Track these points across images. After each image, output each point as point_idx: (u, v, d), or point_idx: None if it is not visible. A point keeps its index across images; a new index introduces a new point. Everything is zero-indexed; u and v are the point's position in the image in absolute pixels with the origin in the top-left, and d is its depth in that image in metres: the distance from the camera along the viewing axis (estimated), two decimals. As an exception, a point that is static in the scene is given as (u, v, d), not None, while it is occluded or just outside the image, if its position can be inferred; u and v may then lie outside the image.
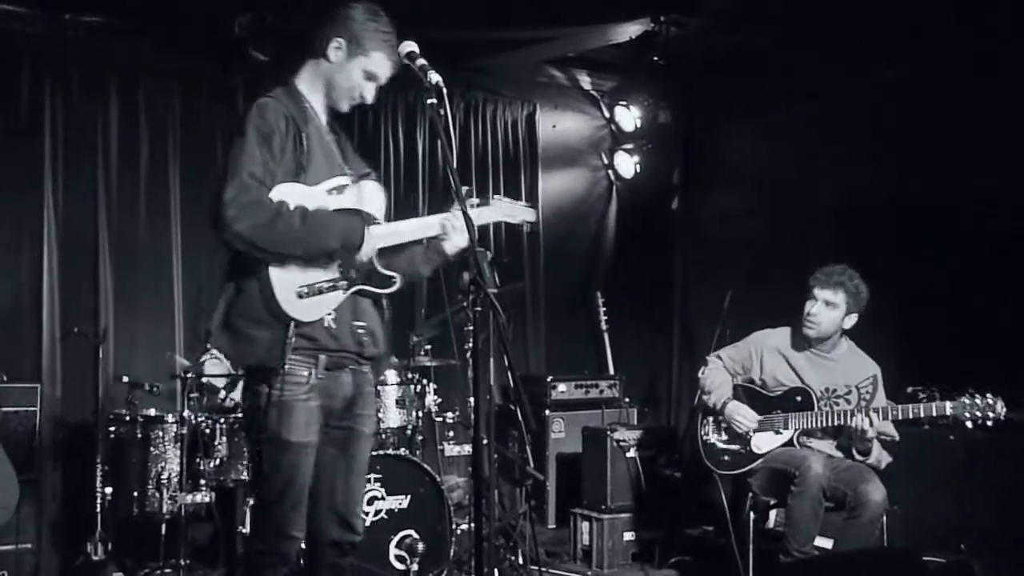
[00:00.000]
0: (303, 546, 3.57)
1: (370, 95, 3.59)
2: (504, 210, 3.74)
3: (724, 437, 5.50)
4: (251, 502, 5.29)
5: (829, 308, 5.28)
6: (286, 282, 3.32)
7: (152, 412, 5.81)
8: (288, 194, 3.33)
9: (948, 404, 4.87)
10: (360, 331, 3.52)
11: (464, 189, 3.55)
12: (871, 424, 4.99)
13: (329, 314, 3.41)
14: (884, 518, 5.08)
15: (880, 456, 5.21)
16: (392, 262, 3.61)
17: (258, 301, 3.31)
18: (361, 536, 3.64)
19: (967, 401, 4.84)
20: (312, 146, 3.44)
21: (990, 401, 4.81)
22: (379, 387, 5.85)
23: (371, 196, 3.58)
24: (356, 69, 3.51)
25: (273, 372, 3.31)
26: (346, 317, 3.47)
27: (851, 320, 5.33)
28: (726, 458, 5.48)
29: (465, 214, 3.28)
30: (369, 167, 3.76)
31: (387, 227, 3.58)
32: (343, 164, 3.61)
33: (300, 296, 3.33)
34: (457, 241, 3.56)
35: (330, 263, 3.40)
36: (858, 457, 5.19)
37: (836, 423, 5.17)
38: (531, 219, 3.84)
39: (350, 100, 3.58)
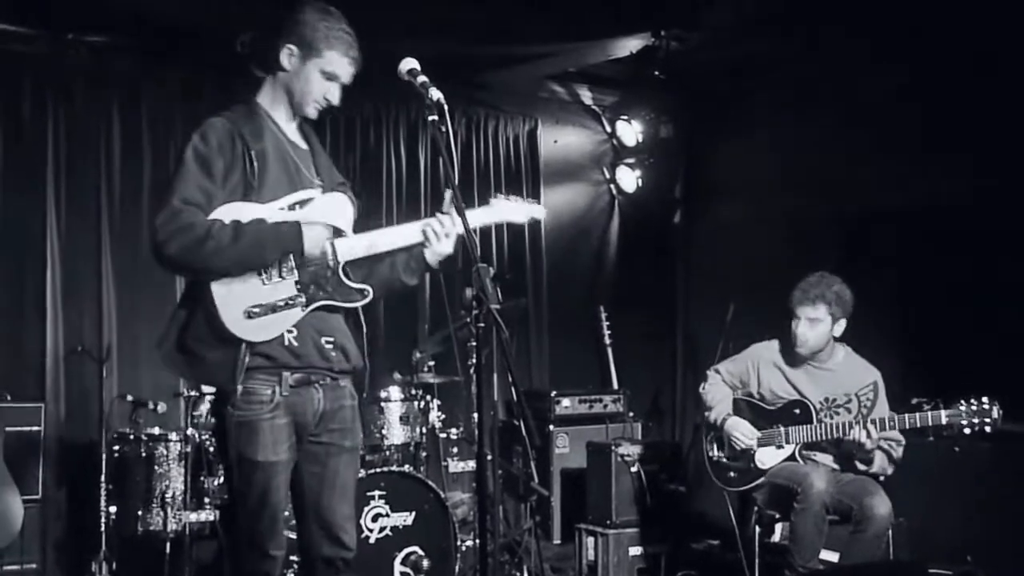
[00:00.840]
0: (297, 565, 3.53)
1: (335, 97, 3.52)
2: (505, 211, 3.71)
3: (727, 453, 5.49)
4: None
5: (813, 324, 5.25)
6: (232, 302, 3.26)
7: (156, 430, 5.80)
8: (233, 213, 3.28)
9: (944, 412, 4.85)
10: (328, 346, 3.45)
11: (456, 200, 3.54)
12: (868, 436, 4.98)
13: (289, 331, 3.36)
14: (890, 531, 5.07)
15: (884, 465, 5.19)
16: (372, 271, 3.57)
17: (205, 323, 3.27)
18: (354, 551, 3.58)
19: (963, 408, 4.82)
20: (266, 163, 3.38)
21: (985, 406, 4.79)
22: (383, 403, 5.85)
23: (338, 208, 3.52)
24: (312, 72, 3.46)
25: (234, 392, 3.27)
26: (310, 333, 3.41)
27: (840, 327, 5.30)
28: (732, 475, 5.47)
29: (466, 227, 3.26)
30: (344, 178, 3.71)
31: (358, 239, 3.51)
32: (312, 177, 3.54)
33: (250, 316, 3.27)
34: (439, 248, 3.51)
35: (282, 281, 3.34)
36: (861, 467, 5.17)
37: (836, 435, 5.15)
38: (540, 216, 3.79)
39: (315, 105, 3.52)
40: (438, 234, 3.50)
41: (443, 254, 3.54)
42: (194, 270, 3.27)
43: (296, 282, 3.37)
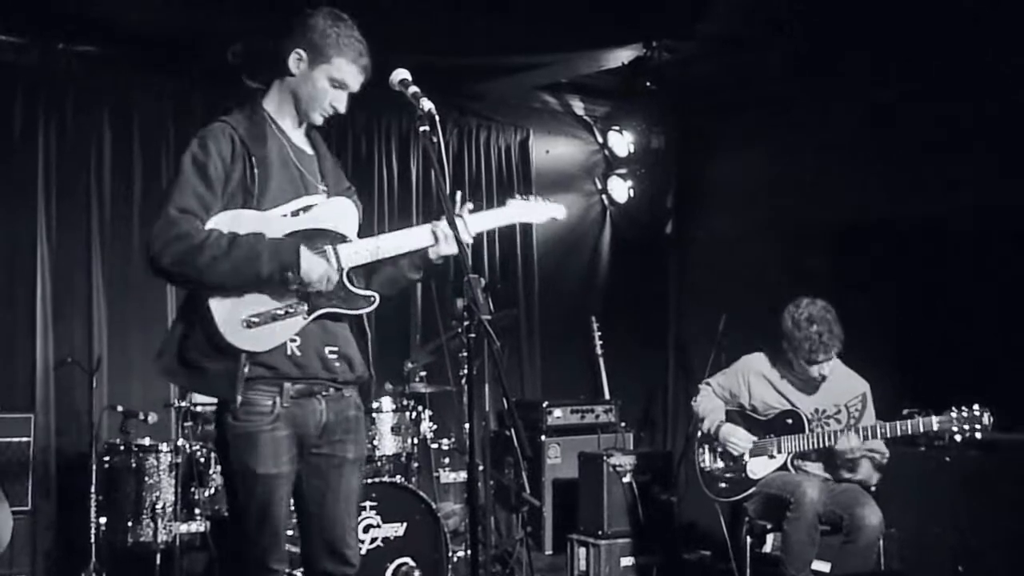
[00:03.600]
0: None
1: (342, 104, 3.47)
2: (522, 211, 3.67)
3: (720, 464, 5.49)
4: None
5: (831, 363, 5.28)
6: (230, 313, 3.20)
7: (146, 441, 5.78)
8: (232, 221, 3.23)
9: (935, 419, 4.86)
10: (331, 356, 3.39)
11: (468, 206, 3.51)
12: (855, 444, 4.99)
13: (292, 340, 3.30)
14: (881, 541, 5.08)
15: (870, 474, 5.20)
16: (377, 272, 3.53)
17: (204, 335, 3.22)
18: (356, 568, 3.51)
19: (953, 415, 4.83)
20: (268, 169, 3.33)
21: (976, 413, 4.81)
22: (374, 414, 5.82)
23: (341, 213, 3.46)
24: (320, 78, 3.39)
25: (233, 403, 3.22)
26: (314, 342, 3.35)
27: None
28: (723, 485, 5.47)
29: (458, 239, 3.26)
30: (351, 183, 3.66)
31: (363, 244, 3.43)
32: (316, 183, 3.49)
33: (248, 326, 3.21)
34: (443, 249, 3.47)
35: (280, 288, 3.25)
36: (846, 475, 5.18)
37: (826, 445, 5.16)
38: (559, 215, 3.74)
39: (321, 111, 3.46)
40: (448, 236, 3.43)
41: (446, 254, 3.50)
42: (189, 281, 3.22)
43: (296, 289, 3.29)
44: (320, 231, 3.38)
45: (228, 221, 3.24)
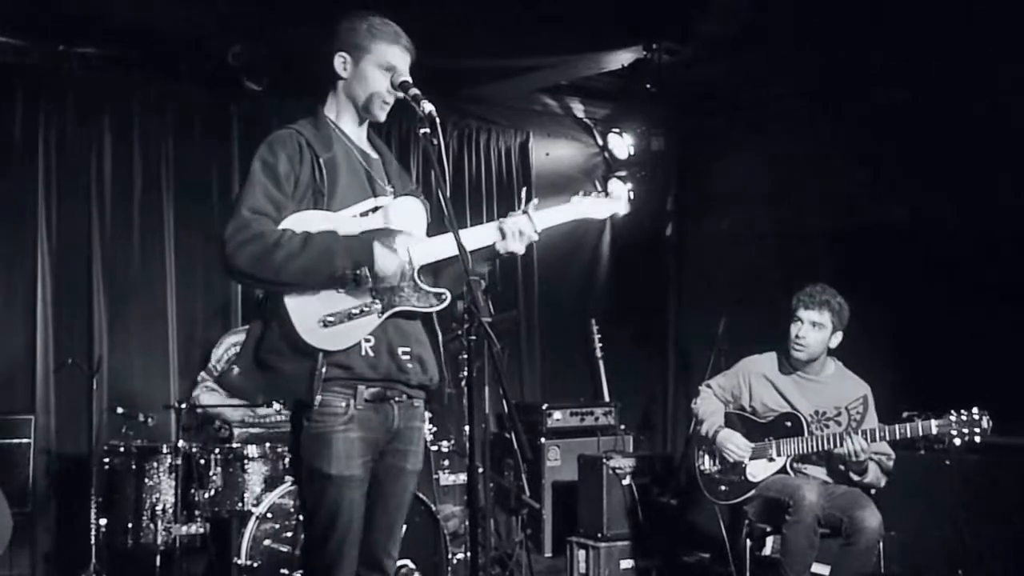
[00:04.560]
0: None
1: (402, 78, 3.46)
2: (584, 208, 3.65)
3: (719, 467, 5.49)
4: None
5: (816, 328, 5.29)
6: (306, 312, 3.21)
7: (146, 443, 5.79)
8: (304, 222, 3.25)
9: (934, 423, 4.86)
10: (404, 357, 3.38)
11: (535, 202, 3.49)
12: (862, 447, 4.99)
13: (367, 340, 3.29)
14: (881, 544, 5.07)
15: (878, 476, 5.20)
16: (444, 269, 3.52)
17: (280, 335, 3.22)
18: None
19: (952, 419, 4.84)
20: (336, 171, 3.36)
21: (975, 416, 4.81)
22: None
23: (410, 213, 3.48)
24: (370, 70, 3.43)
25: (309, 405, 3.22)
26: (387, 342, 3.34)
27: (836, 338, 5.34)
28: (723, 488, 5.47)
29: (458, 241, 3.25)
30: (413, 184, 3.66)
31: (433, 242, 3.43)
32: (384, 184, 3.52)
33: (325, 325, 3.21)
34: (511, 245, 3.45)
35: (356, 287, 3.25)
36: (855, 478, 5.17)
37: (827, 448, 5.16)
38: (622, 210, 3.74)
39: (381, 103, 3.48)
40: (515, 233, 3.44)
41: (514, 251, 3.48)
42: (263, 280, 3.22)
43: (371, 289, 3.29)
44: (391, 230, 3.38)
45: (300, 222, 3.26)
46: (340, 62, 3.45)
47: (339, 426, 3.25)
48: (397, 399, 3.40)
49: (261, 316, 3.32)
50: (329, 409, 3.24)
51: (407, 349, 3.40)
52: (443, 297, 3.45)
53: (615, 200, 3.72)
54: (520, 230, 3.45)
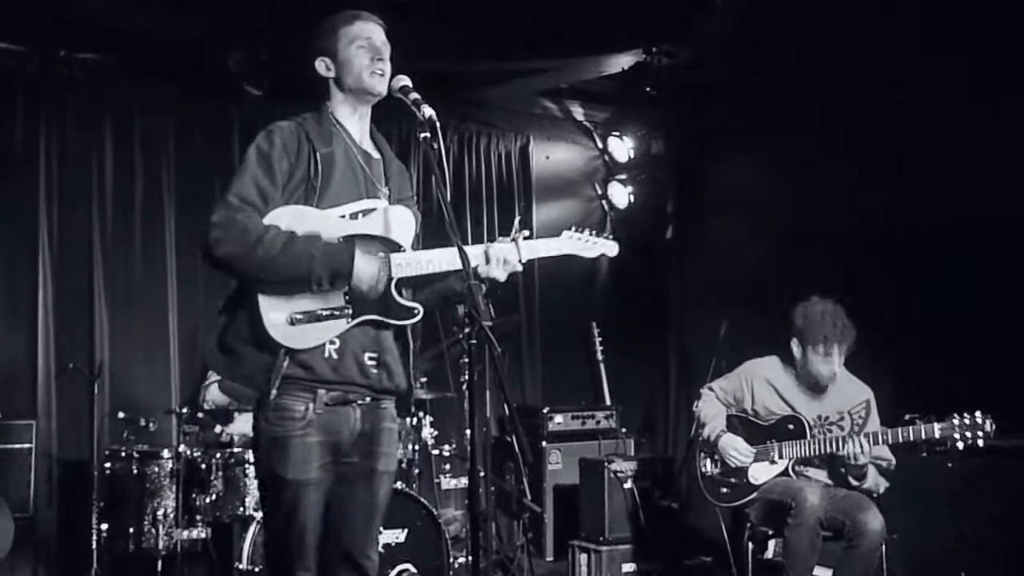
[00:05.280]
0: None
1: (384, 56, 3.48)
2: (573, 246, 3.62)
3: (720, 470, 5.49)
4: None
5: (839, 360, 5.27)
6: (277, 308, 3.23)
7: (148, 447, 5.79)
8: (288, 216, 3.27)
9: (937, 426, 4.86)
10: (370, 363, 3.37)
11: (524, 233, 3.47)
12: (863, 450, 4.98)
13: (332, 343, 3.30)
14: (883, 547, 5.06)
15: (877, 481, 5.19)
16: (425, 284, 3.51)
17: (247, 324, 3.25)
18: None
19: (955, 422, 4.83)
20: (332, 167, 3.37)
21: (978, 420, 4.80)
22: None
23: (398, 222, 3.46)
24: (346, 51, 3.44)
25: (267, 406, 3.24)
26: (353, 348, 3.34)
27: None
28: (725, 491, 5.46)
29: (459, 245, 3.25)
30: (413, 187, 3.67)
31: (415, 256, 3.41)
32: (379, 187, 3.51)
33: (292, 323, 3.23)
34: (493, 272, 3.42)
35: (330, 290, 3.27)
36: (854, 483, 5.17)
37: (829, 451, 5.15)
38: (611, 253, 3.67)
39: (371, 73, 3.44)
40: (499, 260, 3.41)
41: (495, 278, 3.44)
42: (239, 273, 3.25)
43: (345, 293, 3.31)
44: (375, 238, 3.39)
45: (287, 216, 3.27)
46: (322, 66, 3.48)
47: (297, 430, 3.26)
48: (360, 402, 3.40)
49: (232, 304, 3.34)
50: (288, 413, 3.26)
51: (374, 355, 3.41)
52: (415, 312, 3.44)
53: (605, 245, 3.67)
54: (505, 258, 3.42)
